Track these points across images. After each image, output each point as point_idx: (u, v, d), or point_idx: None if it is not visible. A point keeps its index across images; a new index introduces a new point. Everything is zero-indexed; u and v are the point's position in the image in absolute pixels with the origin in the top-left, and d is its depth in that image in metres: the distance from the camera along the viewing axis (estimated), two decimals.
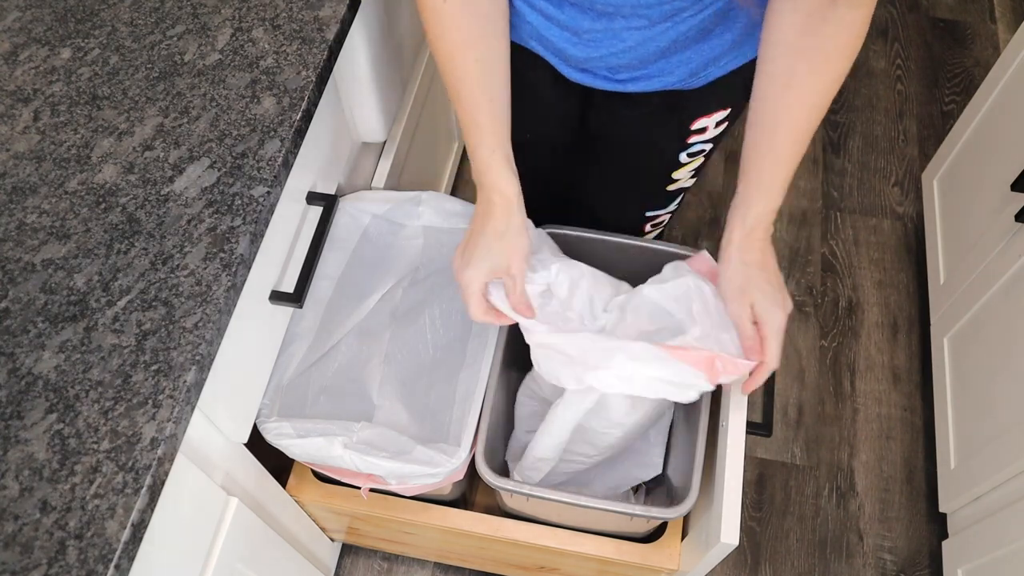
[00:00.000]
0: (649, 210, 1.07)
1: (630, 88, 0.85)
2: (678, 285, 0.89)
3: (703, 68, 0.82)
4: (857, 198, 1.84)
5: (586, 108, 0.97)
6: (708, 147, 0.96)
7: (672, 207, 1.07)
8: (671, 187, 1.02)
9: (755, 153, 0.76)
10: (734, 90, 0.86)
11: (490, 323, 0.86)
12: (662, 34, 0.76)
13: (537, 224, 1.06)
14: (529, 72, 0.88)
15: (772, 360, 0.80)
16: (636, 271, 1.09)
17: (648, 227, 1.12)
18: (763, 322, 0.80)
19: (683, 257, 1.00)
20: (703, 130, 0.92)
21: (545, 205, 1.24)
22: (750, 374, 0.82)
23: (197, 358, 0.67)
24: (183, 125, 0.80)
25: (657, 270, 1.05)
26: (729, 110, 0.90)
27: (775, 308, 0.79)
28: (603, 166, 1.05)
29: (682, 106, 0.89)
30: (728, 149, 1.89)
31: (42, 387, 0.65)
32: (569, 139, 1.05)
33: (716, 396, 0.95)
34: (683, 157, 0.96)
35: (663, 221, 1.12)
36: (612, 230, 1.09)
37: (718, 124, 0.92)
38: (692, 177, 1.01)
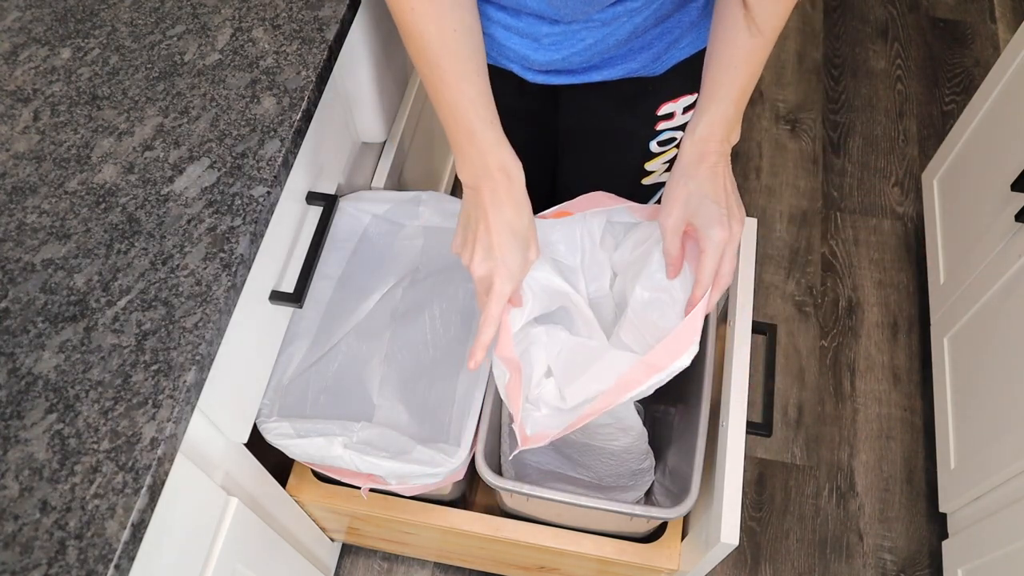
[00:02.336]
0: None
1: (595, 78, 0.86)
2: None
3: (664, 52, 0.84)
4: (857, 198, 1.84)
5: (554, 108, 0.98)
6: (678, 135, 0.96)
7: (651, 204, 1.08)
8: (647, 180, 1.02)
9: (711, 65, 0.76)
10: (698, 75, 0.87)
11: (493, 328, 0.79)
12: (620, 27, 0.78)
13: None
14: (494, 83, 0.89)
15: (705, 278, 0.77)
16: None
17: None
18: (701, 239, 0.76)
19: None
20: (671, 116, 0.93)
21: None
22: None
23: (197, 358, 0.67)
24: (183, 125, 0.80)
25: None
26: (695, 96, 0.91)
27: (714, 225, 0.75)
28: (577, 165, 1.05)
29: (647, 92, 0.90)
30: None
31: (42, 387, 0.65)
32: (541, 145, 1.06)
33: (716, 396, 0.95)
34: (654, 146, 0.96)
35: None
36: None
37: (685, 110, 0.92)
38: (667, 171, 1.02)
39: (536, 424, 0.84)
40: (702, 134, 0.76)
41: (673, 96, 0.91)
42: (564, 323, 0.91)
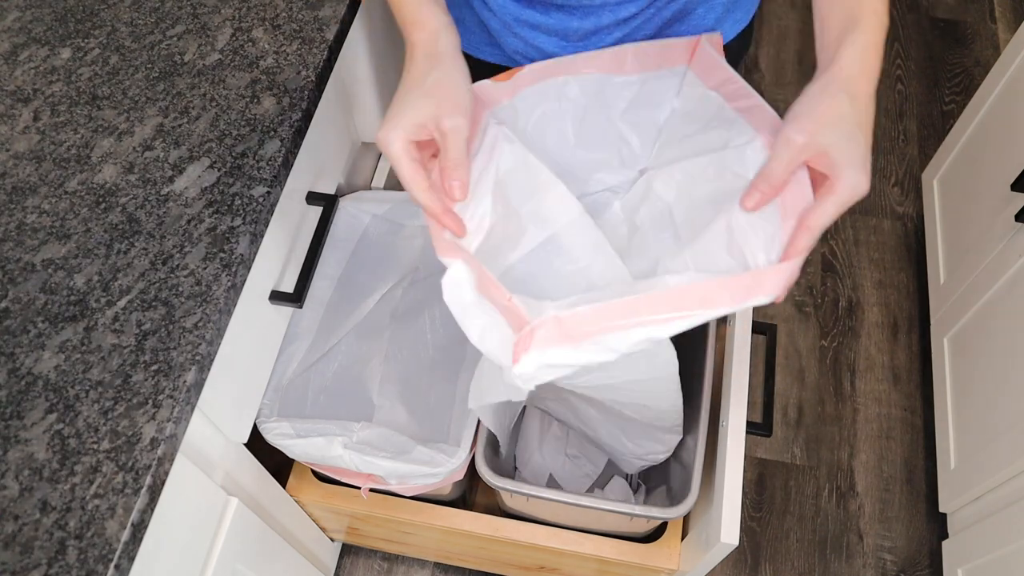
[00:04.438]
0: None
1: None
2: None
3: None
4: None
5: None
6: None
7: None
8: None
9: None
10: None
11: (431, 201, 0.60)
12: (647, 22, 0.77)
13: None
14: None
15: (815, 221, 0.58)
16: None
17: None
18: (835, 174, 0.57)
19: None
20: None
21: None
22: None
23: (197, 358, 0.67)
24: (183, 125, 0.80)
25: None
26: None
27: (854, 167, 0.57)
28: None
29: None
30: None
31: (42, 387, 0.65)
32: None
33: (716, 396, 0.95)
34: None
35: None
36: None
37: None
38: None
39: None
40: (858, 51, 0.60)
41: None
42: (550, 255, 0.67)
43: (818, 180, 0.60)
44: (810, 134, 0.58)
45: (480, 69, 0.86)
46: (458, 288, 0.57)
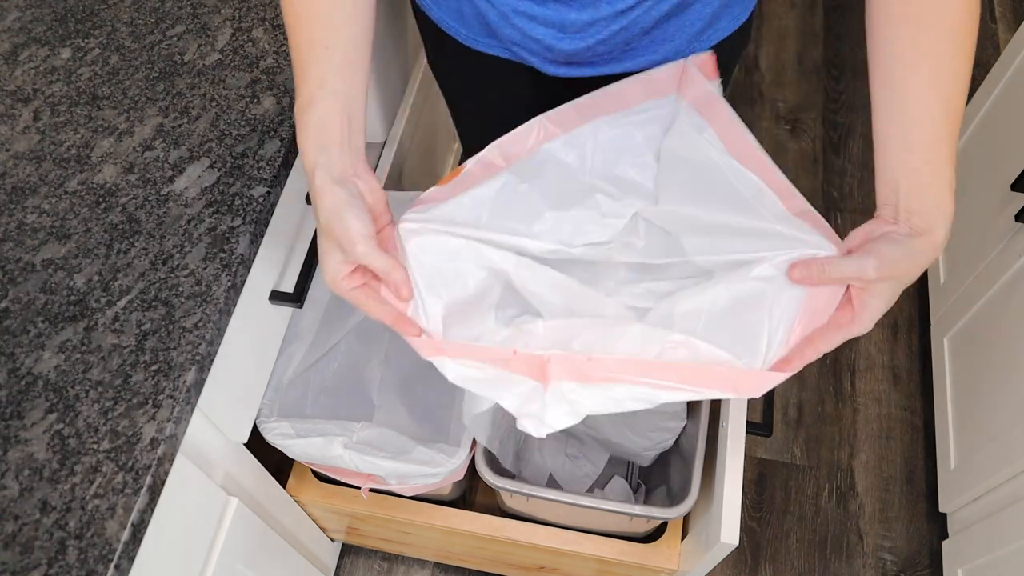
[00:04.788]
0: None
1: (616, 69, 0.86)
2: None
3: (686, 44, 0.83)
4: (857, 198, 1.84)
5: (566, 100, 0.98)
6: None
7: None
8: None
9: (883, 132, 0.62)
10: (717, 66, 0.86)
11: (384, 314, 0.64)
12: (644, 14, 0.77)
13: None
14: (510, 80, 0.88)
15: (862, 322, 0.61)
16: None
17: None
18: (867, 307, 0.61)
19: None
20: None
21: None
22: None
23: (197, 358, 0.67)
24: (183, 125, 0.80)
25: None
26: None
27: (876, 315, 0.61)
28: None
29: None
30: None
31: (42, 387, 0.65)
32: None
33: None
34: None
35: None
36: None
37: None
38: None
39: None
40: (899, 195, 0.62)
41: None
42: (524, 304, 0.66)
43: (842, 303, 0.63)
44: (881, 278, 0.60)
45: (479, 61, 0.86)
46: (459, 373, 0.60)
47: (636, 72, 0.82)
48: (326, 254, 0.62)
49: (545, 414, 0.58)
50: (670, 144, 0.68)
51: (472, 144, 1.12)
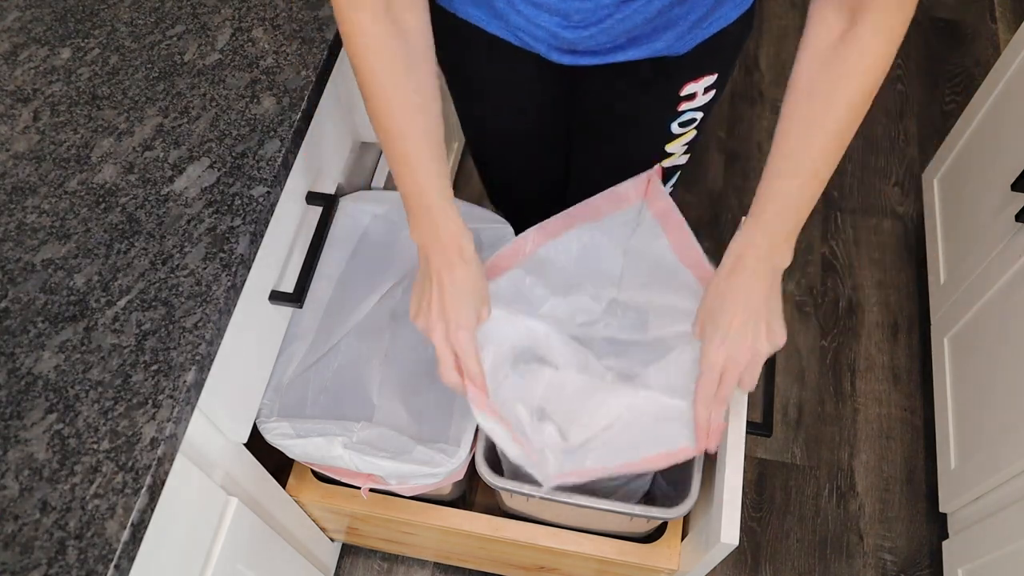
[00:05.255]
0: None
1: (620, 58, 0.86)
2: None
3: (688, 31, 0.84)
4: (857, 198, 1.84)
5: (575, 90, 0.98)
6: (698, 116, 0.96)
7: (668, 189, 1.07)
8: (665, 163, 1.01)
9: (772, 162, 0.74)
10: (720, 54, 0.87)
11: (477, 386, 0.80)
12: (647, 4, 0.77)
13: (532, 224, 1.01)
14: (515, 66, 0.89)
15: (701, 399, 0.76)
16: None
17: None
18: (701, 354, 0.76)
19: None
20: (692, 96, 0.92)
21: (538, 201, 1.25)
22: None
23: (197, 358, 0.67)
24: (183, 125, 0.80)
25: None
26: (716, 76, 0.91)
27: (711, 343, 0.75)
28: (594, 150, 1.05)
29: (670, 72, 0.89)
30: (728, 149, 1.89)
31: (42, 387, 0.65)
32: (555, 130, 1.06)
33: None
34: (675, 127, 0.96)
35: None
36: None
37: (706, 90, 0.92)
38: (685, 152, 1.01)
39: (550, 467, 0.82)
40: (740, 242, 0.75)
41: (695, 76, 0.90)
42: (541, 359, 0.88)
43: None
44: (699, 332, 0.78)
45: (486, 43, 0.86)
46: (487, 427, 0.79)
47: (639, 61, 0.84)
48: (465, 302, 0.78)
49: (544, 481, 0.80)
50: (634, 244, 0.91)
51: (473, 137, 1.12)
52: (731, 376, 0.75)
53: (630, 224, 0.90)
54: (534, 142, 1.08)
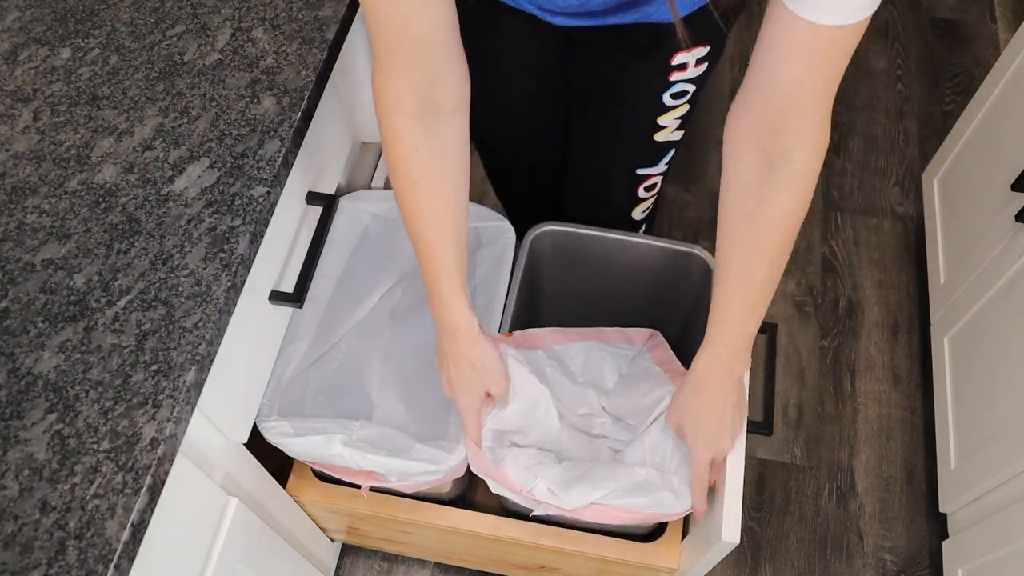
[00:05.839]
0: (640, 167, 1.07)
1: (612, 21, 0.87)
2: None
3: None
4: (857, 198, 1.84)
5: (570, 59, 0.99)
6: (690, 89, 0.96)
7: (662, 166, 1.07)
8: (658, 136, 1.02)
9: (721, 287, 0.80)
10: (710, 26, 0.88)
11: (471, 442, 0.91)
12: None
13: (532, 220, 1.07)
14: (510, 27, 0.90)
15: (696, 493, 0.87)
16: (636, 268, 1.09)
17: (641, 190, 1.11)
18: (692, 453, 0.87)
19: (683, 253, 1.06)
20: (684, 66, 0.93)
21: (538, 191, 1.25)
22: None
23: (197, 358, 0.67)
24: (183, 125, 0.80)
25: (656, 265, 1.06)
26: (708, 48, 0.91)
27: (703, 443, 0.86)
28: (590, 121, 1.05)
29: (662, 40, 0.90)
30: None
31: (42, 387, 0.65)
32: (552, 98, 1.06)
33: None
34: (667, 99, 0.97)
35: (656, 184, 1.11)
36: (605, 196, 1.08)
37: (698, 62, 0.93)
38: (679, 128, 1.02)
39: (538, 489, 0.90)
40: (704, 362, 0.84)
41: (687, 45, 0.91)
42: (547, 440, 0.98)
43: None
44: (675, 428, 0.90)
45: (482, 6, 0.87)
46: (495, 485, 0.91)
47: (629, 28, 0.87)
48: (467, 381, 0.88)
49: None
50: (630, 371, 1.04)
51: (472, 114, 1.13)
52: (716, 467, 0.88)
53: (628, 357, 1.05)
54: (533, 119, 1.09)
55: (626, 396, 1.00)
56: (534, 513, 0.91)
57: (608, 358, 1.04)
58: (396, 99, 0.72)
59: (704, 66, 0.94)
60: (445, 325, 0.86)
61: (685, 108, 0.99)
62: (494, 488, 0.91)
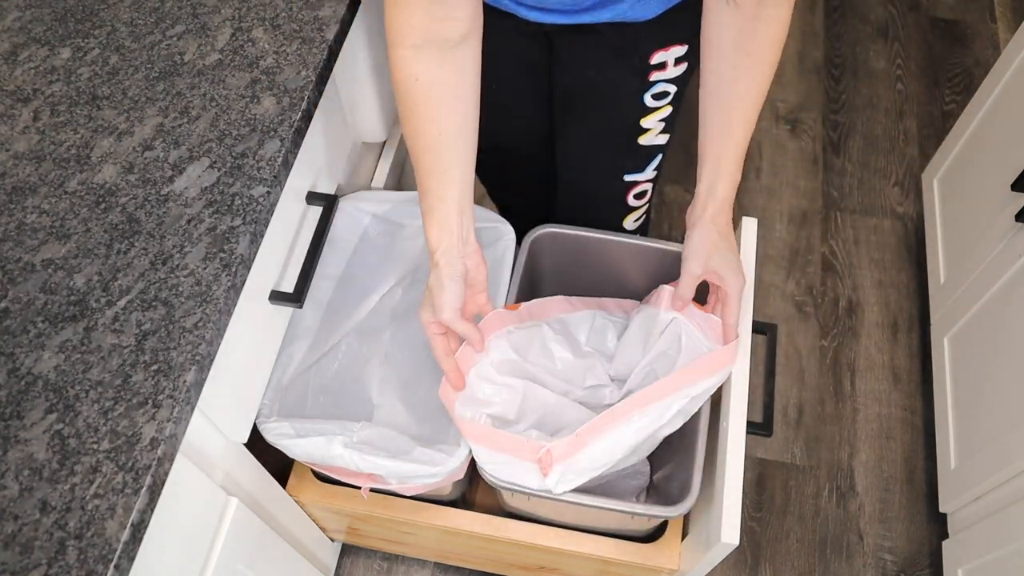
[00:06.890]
0: (627, 173, 1.07)
1: (585, 19, 0.88)
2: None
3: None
4: (857, 198, 1.84)
5: (551, 60, 1.00)
6: (672, 89, 0.97)
7: (650, 172, 1.08)
8: (643, 139, 1.02)
9: (715, 141, 0.86)
10: (687, 25, 0.88)
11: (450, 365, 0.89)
12: None
13: (530, 224, 1.07)
14: (492, 27, 0.90)
15: (734, 320, 0.90)
16: (635, 270, 1.09)
17: (631, 198, 1.11)
18: (727, 283, 0.89)
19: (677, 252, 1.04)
20: (663, 65, 0.93)
21: (533, 198, 1.25)
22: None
23: (197, 358, 0.67)
24: (183, 125, 0.80)
25: (655, 267, 1.06)
26: (686, 47, 0.92)
27: (737, 274, 0.89)
28: (575, 126, 1.05)
29: (639, 39, 0.91)
30: None
31: (42, 387, 0.65)
32: (537, 100, 1.07)
33: (716, 396, 0.95)
34: (648, 100, 0.97)
35: (646, 192, 1.12)
36: (595, 204, 1.09)
37: (677, 62, 0.93)
38: (663, 132, 1.02)
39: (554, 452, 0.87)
40: (721, 200, 0.88)
41: (664, 44, 0.92)
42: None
43: (712, 288, 0.93)
44: (703, 265, 0.89)
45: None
46: (486, 458, 0.88)
47: (607, 29, 0.89)
48: (423, 306, 0.86)
49: (552, 487, 0.87)
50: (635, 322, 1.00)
51: None
52: (740, 300, 0.91)
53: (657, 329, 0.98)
54: (520, 123, 1.10)
55: (625, 356, 1.00)
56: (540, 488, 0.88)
57: (611, 326, 1.05)
58: (398, 32, 0.76)
59: (684, 66, 0.94)
60: (429, 236, 0.85)
61: (668, 110, 0.99)
62: (488, 469, 0.88)
